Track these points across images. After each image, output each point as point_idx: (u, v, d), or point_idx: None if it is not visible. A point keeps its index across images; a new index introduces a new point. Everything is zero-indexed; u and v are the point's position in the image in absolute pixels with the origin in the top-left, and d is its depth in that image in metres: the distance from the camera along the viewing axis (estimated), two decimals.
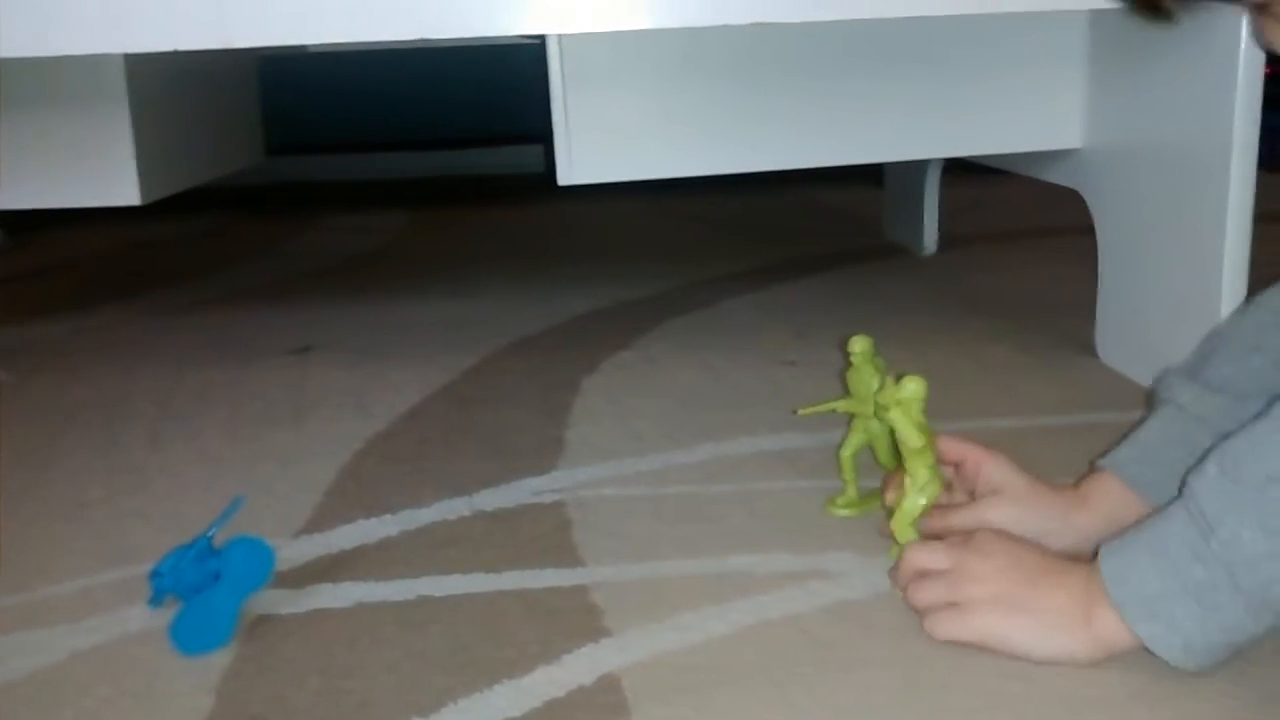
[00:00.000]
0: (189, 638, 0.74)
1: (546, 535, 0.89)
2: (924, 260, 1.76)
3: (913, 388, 0.76)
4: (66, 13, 0.91)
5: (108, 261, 2.05)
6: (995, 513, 0.79)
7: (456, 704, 0.67)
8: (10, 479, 1.02)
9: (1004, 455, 0.82)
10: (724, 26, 1.01)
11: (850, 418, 0.90)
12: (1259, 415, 0.65)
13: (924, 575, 0.74)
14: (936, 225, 1.77)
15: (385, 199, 2.60)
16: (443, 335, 1.45)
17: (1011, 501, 0.80)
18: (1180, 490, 0.67)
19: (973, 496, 0.83)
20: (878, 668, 0.69)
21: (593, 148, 1.16)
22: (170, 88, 1.30)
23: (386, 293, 1.73)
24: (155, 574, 0.78)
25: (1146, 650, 0.66)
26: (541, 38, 1.12)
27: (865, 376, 0.88)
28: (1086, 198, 1.26)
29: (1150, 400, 0.85)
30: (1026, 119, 1.24)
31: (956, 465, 0.84)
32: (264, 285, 1.82)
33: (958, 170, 1.74)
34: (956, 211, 1.83)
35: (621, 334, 1.42)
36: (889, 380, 0.78)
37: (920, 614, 0.73)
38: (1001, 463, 0.81)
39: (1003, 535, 0.75)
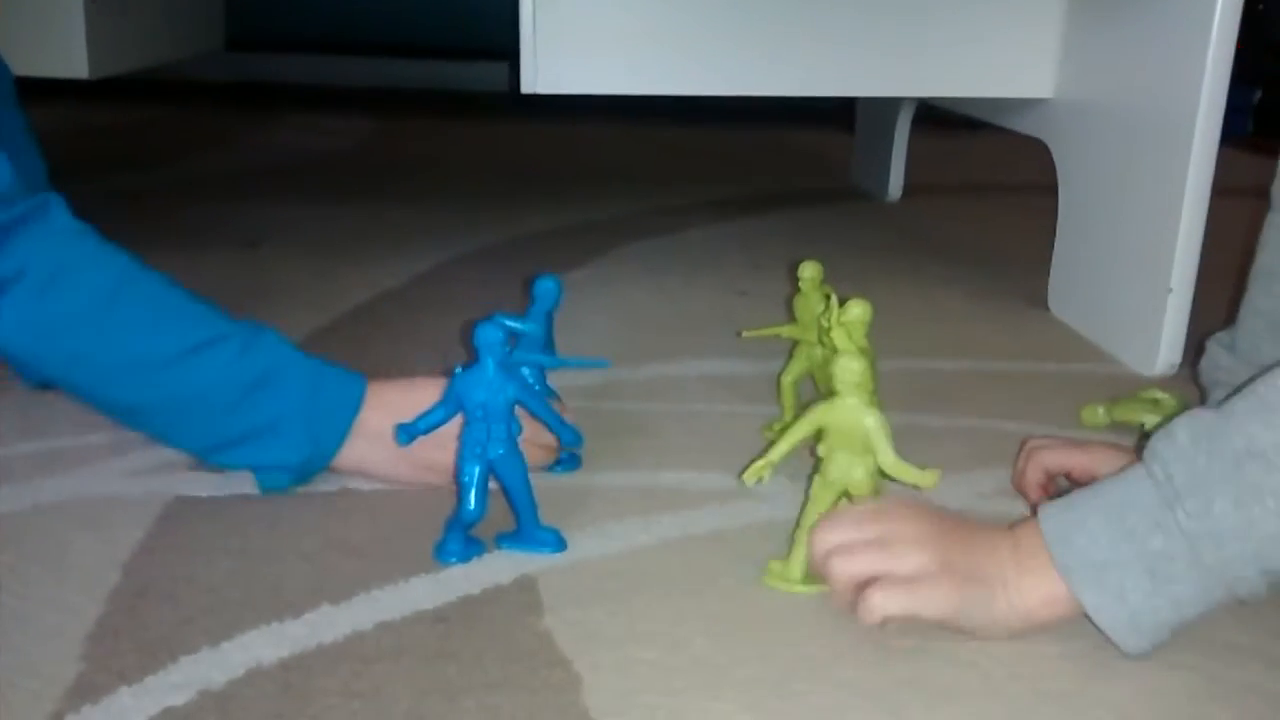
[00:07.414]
0: None
1: None
2: (887, 206, 1.75)
3: (858, 311, 0.75)
4: None
5: (55, 143, 1.99)
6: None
7: (369, 593, 0.66)
8: None
9: (1112, 452, 0.76)
10: None
11: (794, 345, 0.90)
12: (1237, 391, 0.60)
13: (843, 549, 0.65)
14: (903, 173, 1.76)
15: (351, 105, 2.55)
16: (398, 241, 1.43)
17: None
18: (1141, 455, 0.61)
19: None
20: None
21: (558, 58, 1.14)
22: None
23: (345, 195, 1.70)
24: None
25: (1063, 627, 0.62)
26: None
27: (811, 303, 0.87)
28: (1052, 150, 1.25)
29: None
30: (1000, 64, 1.23)
31: (1066, 475, 0.78)
32: (218, 178, 1.78)
33: (929, 122, 1.73)
34: (924, 162, 1.82)
35: (579, 253, 1.40)
36: (834, 305, 0.77)
37: (847, 589, 0.64)
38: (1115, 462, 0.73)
39: (913, 501, 0.67)
